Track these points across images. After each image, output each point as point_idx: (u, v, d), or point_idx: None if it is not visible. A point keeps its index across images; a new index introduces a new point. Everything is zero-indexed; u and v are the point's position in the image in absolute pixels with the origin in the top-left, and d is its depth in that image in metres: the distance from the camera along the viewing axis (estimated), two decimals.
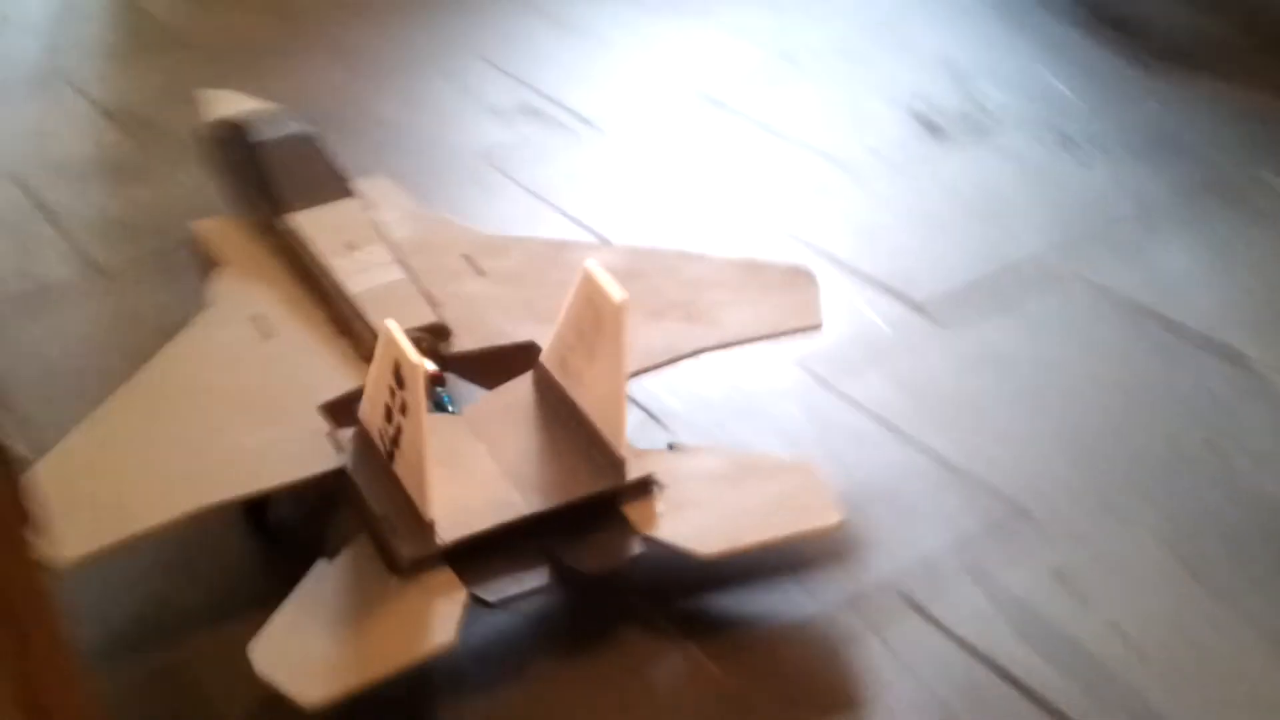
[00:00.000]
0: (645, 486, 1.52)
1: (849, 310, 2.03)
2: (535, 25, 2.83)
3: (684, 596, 1.57)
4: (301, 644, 1.39)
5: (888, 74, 2.61)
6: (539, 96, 2.58)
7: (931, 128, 2.45)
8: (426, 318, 1.65)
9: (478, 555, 1.44)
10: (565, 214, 2.26)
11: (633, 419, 1.73)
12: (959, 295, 2.05)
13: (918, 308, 2.03)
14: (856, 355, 1.95)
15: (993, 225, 2.20)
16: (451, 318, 1.68)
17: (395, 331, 1.44)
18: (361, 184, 1.90)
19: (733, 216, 2.25)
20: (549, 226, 2.22)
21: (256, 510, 1.62)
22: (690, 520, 1.50)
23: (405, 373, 1.41)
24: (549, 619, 1.55)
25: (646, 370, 1.65)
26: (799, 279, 1.80)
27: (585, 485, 1.50)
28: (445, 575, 1.43)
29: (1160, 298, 2.01)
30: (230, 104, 2.01)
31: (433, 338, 1.64)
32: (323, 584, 1.45)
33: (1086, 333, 1.97)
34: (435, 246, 1.83)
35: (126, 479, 1.52)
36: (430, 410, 1.47)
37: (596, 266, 1.51)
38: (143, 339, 1.85)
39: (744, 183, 2.33)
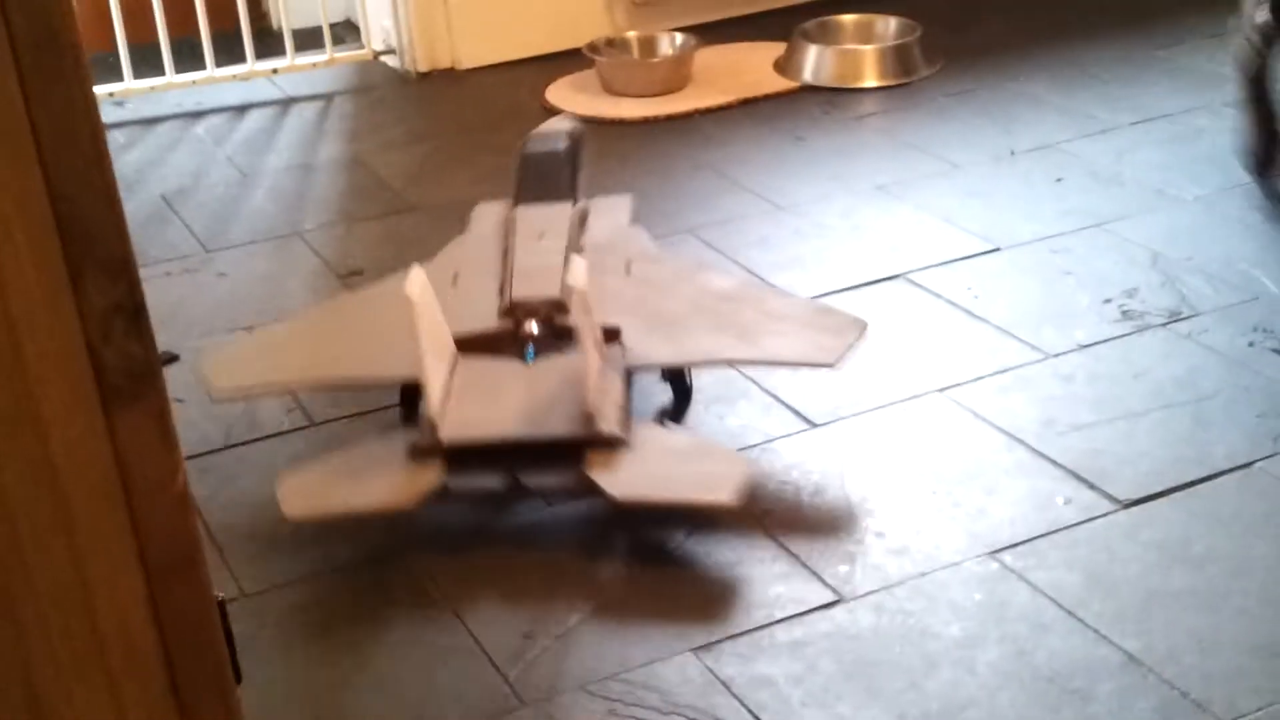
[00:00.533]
0: (611, 442, 1.94)
1: (1040, 497, 2.03)
2: (749, 205, 2.92)
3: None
4: (313, 479, 1.96)
5: (1094, 267, 2.62)
6: (747, 274, 2.65)
7: (1135, 320, 2.44)
8: (552, 293, 2.12)
9: (468, 455, 1.94)
10: (762, 388, 2.31)
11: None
12: (1153, 488, 2.03)
13: (1110, 498, 2.01)
14: (1044, 543, 1.94)
15: (1191, 419, 2.17)
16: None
17: (414, 275, 1.98)
18: (600, 198, 2.52)
19: (927, 395, 2.26)
20: (746, 401, 2.28)
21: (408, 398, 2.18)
22: (626, 472, 1.92)
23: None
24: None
25: (687, 365, 2.22)
26: (847, 327, 2.16)
27: (558, 429, 1.96)
28: (434, 463, 1.93)
29: None
30: (553, 122, 2.68)
31: (551, 309, 2.12)
32: (359, 449, 2.03)
33: None
34: (609, 249, 2.34)
35: (288, 348, 2.22)
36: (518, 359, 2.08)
37: (578, 267, 1.99)
38: None
39: (941, 364, 2.35)
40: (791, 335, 2.15)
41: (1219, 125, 3.13)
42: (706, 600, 1.88)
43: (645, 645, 1.81)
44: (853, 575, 1.91)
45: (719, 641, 1.81)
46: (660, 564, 1.95)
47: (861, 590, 1.88)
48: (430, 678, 1.78)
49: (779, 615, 1.84)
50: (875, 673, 1.74)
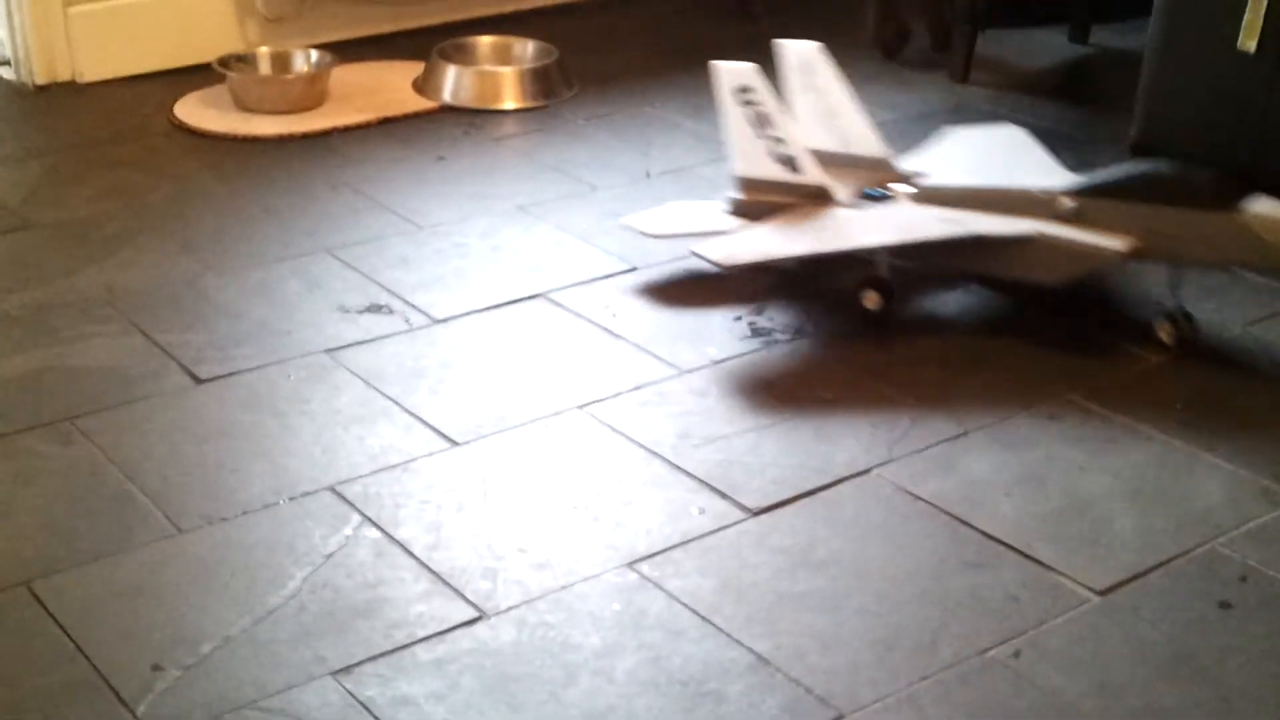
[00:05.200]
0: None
1: (676, 507, 2.09)
2: (388, 225, 2.90)
3: None
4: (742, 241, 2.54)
5: (725, 286, 2.72)
6: (387, 294, 2.63)
7: (763, 336, 2.54)
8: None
9: None
10: (403, 407, 2.29)
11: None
12: (780, 496, 2.11)
13: (741, 507, 2.09)
14: (679, 552, 2.00)
15: (813, 431, 2.28)
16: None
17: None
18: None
19: (567, 412, 2.30)
20: (387, 421, 2.26)
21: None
22: None
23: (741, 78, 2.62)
24: None
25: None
26: None
27: None
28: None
29: (972, 508, 2.10)
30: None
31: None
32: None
33: (902, 539, 2.04)
34: None
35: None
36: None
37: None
38: None
39: (581, 381, 2.39)
40: None
41: None
42: (346, 622, 1.84)
43: (282, 671, 1.76)
44: (494, 591, 1.92)
45: (359, 663, 1.78)
46: (296, 588, 1.90)
47: (503, 606, 1.89)
48: (55, 718, 1.69)
49: (420, 634, 1.83)
50: (517, 687, 1.75)
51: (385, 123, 3.37)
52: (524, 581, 1.93)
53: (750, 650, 1.82)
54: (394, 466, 2.16)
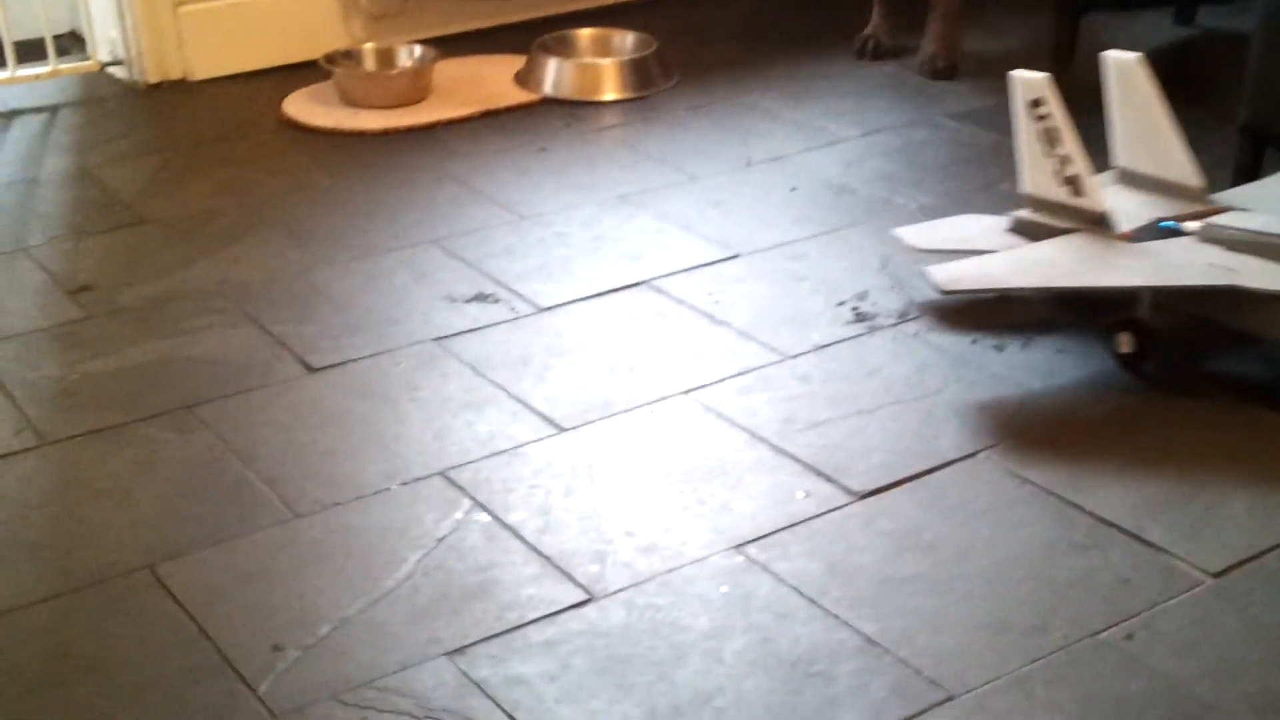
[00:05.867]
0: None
1: (781, 491, 2.09)
2: (493, 216, 2.93)
3: None
4: (973, 265, 2.38)
5: (827, 272, 2.72)
6: (493, 283, 2.67)
7: (866, 321, 2.54)
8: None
9: None
10: (510, 394, 2.32)
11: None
12: (886, 479, 2.12)
13: (846, 490, 2.09)
14: (786, 535, 2.00)
15: (920, 414, 2.27)
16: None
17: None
18: None
19: (672, 398, 2.31)
20: (495, 408, 2.29)
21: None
22: None
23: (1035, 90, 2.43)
24: None
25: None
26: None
27: None
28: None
29: (1082, 490, 2.08)
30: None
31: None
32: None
33: (1010, 522, 2.03)
34: None
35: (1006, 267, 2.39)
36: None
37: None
38: (81, 504, 1.92)
39: (685, 367, 2.41)
40: None
41: (939, 138, 3.29)
42: (459, 604, 1.88)
43: (397, 652, 1.80)
44: (603, 574, 1.94)
45: (472, 644, 1.81)
46: (410, 571, 1.94)
47: (612, 588, 1.91)
48: (179, 699, 1.74)
49: (531, 616, 1.86)
50: (626, 668, 1.78)
51: (488, 115, 3.41)
52: (632, 564, 1.96)
53: (858, 632, 1.83)
54: (502, 452, 2.19)
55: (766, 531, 2.02)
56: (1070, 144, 2.43)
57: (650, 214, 2.95)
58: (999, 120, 3.33)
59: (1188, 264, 2.31)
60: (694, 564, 1.96)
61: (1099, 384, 2.35)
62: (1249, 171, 2.92)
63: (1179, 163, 2.51)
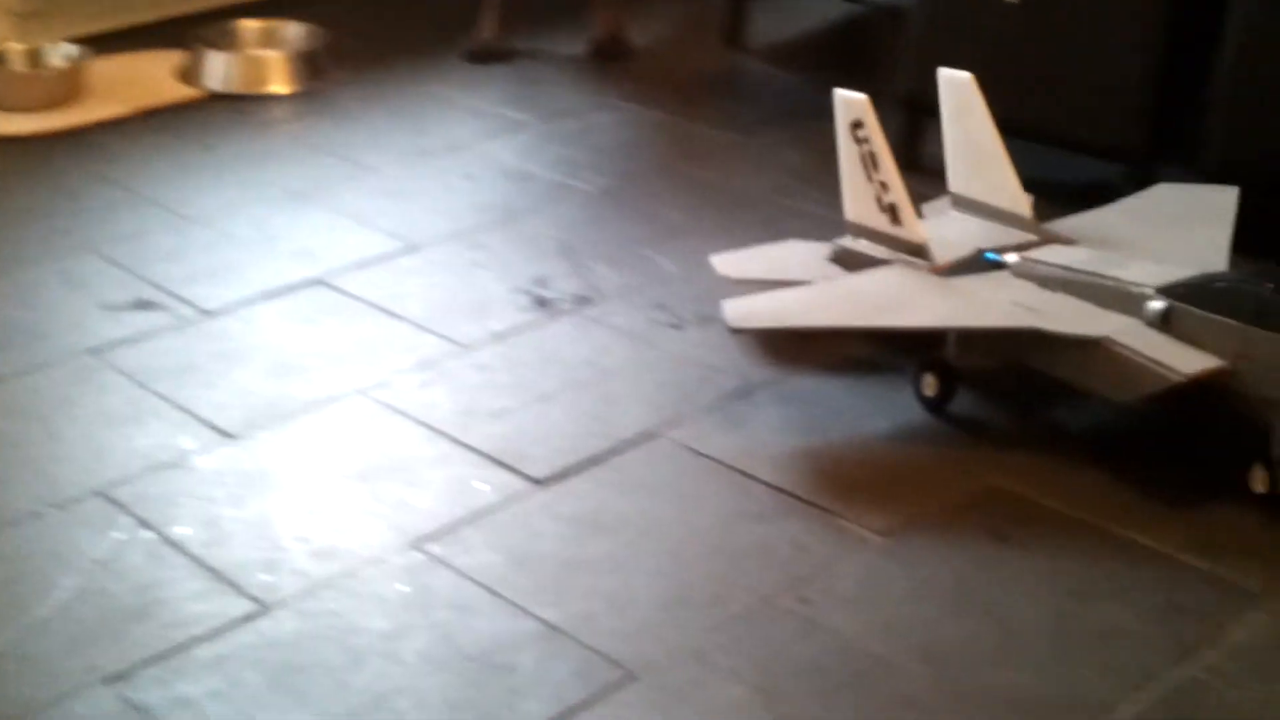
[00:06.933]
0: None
1: (461, 484, 2.06)
2: (153, 219, 2.80)
3: None
4: (768, 301, 2.22)
5: (506, 259, 2.69)
6: (154, 289, 2.54)
7: (546, 307, 2.52)
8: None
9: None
10: (174, 404, 2.22)
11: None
12: (567, 464, 2.10)
13: (527, 478, 2.07)
14: (467, 528, 1.97)
15: (600, 397, 2.27)
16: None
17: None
18: None
19: (347, 397, 2.25)
20: (158, 419, 2.18)
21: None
22: None
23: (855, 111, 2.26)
24: None
25: None
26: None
27: None
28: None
29: (758, 462, 2.11)
30: None
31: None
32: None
33: (690, 497, 2.04)
34: None
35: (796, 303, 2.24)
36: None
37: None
38: None
39: (362, 364, 2.34)
40: None
41: (615, 120, 3.30)
42: (119, 627, 1.77)
43: (52, 683, 1.69)
44: (276, 583, 1.86)
45: (134, 668, 1.71)
46: (65, 597, 1.82)
47: (285, 597, 1.84)
48: None
49: (198, 633, 1.77)
50: (301, 678, 1.71)
51: (148, 114, 3.26)
52: (306, 571, 1.89)
53: (540, 619, 1.80)
54: (166, 465, 2.08)
55: (446, 526, 1.98)
56: (888, 170, 2.27)
57: (323, 209, 2.86)
58: (670, 100, 3.38)
59: (993, 303, 2.16)
60: (371, 565, 1.90)
61: (765, 356, 2.39)
62: (910, 143, 3.02)
63: (1010, 190, 2.36)
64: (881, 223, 2.30)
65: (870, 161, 2.28)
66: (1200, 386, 2.00)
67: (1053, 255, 2.23)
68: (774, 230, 2.76)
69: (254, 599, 1.83)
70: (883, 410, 2.24)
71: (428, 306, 2.53)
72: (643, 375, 2.33)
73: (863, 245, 2.34)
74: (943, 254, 2.27)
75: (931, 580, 1.89)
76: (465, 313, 2.51)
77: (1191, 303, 2.04)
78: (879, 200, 2.28)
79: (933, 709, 1.68)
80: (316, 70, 3.46)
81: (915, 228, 2.28)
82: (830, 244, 2.40)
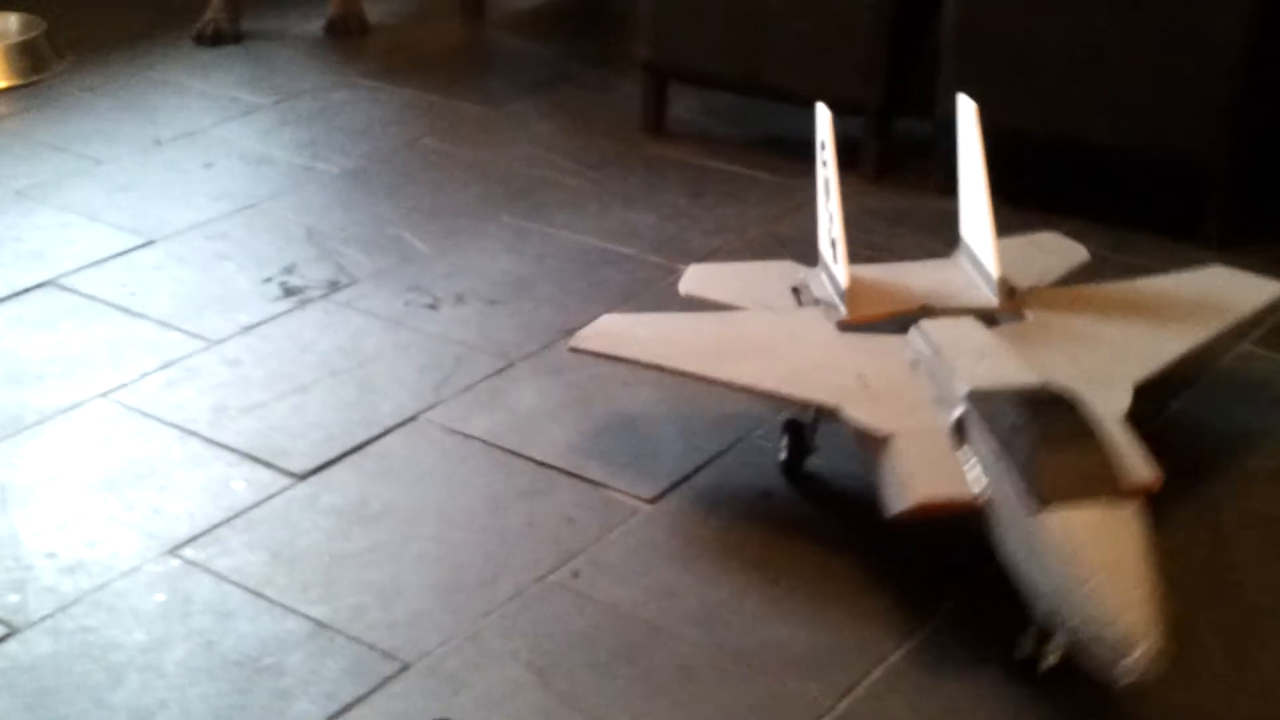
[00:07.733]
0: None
1: (217, 485, 1.99)
2: None
3: None
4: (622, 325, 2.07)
5: (251, 248, 2.61)
6: None
7: (296, 295, 2.45)
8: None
9: None
10: None
11: None
12: (327, 455, 2.05)
13: (286, 473, 2.01)
14: (225, 530, 1.90)
15: (357, 384, 2.22)
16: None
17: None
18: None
19: (89, 402, 2.15)
20: None
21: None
22: None
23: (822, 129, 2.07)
24: None
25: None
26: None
27: None
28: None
29: (522, 438, 2.09)
30: None
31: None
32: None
33: (456, 480, 2.02)
34: None
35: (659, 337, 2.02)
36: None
37: None
38: None
39: (102, 367, 2.24)
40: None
41: (355, 99, 3.23)
42: None
43: None
44: (24, 604, 1.77)
45: None
46: None
47: (35, 617, 1.75)
48: None
49: None
50: (56, 699, 1.63)
51: None
52: (56, 587, 1.80)
53: (307, 617, 1.76)
54: None
55: (203, 529, 1.91)
56: (836, 201, 2.04)
57: (51, 207, 2.73)
58: (413, 75, 3.32)
59: (837, 370, 1.91)
60: (125, 576, 1.82)
61: (523, 331, 2.37)
62: (655, 108, 3.03)
63: (985, 244, 2.06)
64: (827, 256, 2.09)
65: (825, 188, 2.09)
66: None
67: (941, 330, 1.93)
68: (528, 202, 2.75)
69: (1, 622, 1.74)
70: (642, 377, 2.24)
71: (171, 302, 2.43)
72: (400, 359, 2.29)
73: (819, 277, 2.11)
74: (917, 302, 2.02)
75: (699, 541, 1.90)
76: (211, 307, 2.42)
77: (980, 415, 1.72)
78: (829, 231, 2.07)
79: (708, 675, 1.69)
80: (36, 61, 3.30)
81: (844, 269, 2.02)
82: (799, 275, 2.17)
